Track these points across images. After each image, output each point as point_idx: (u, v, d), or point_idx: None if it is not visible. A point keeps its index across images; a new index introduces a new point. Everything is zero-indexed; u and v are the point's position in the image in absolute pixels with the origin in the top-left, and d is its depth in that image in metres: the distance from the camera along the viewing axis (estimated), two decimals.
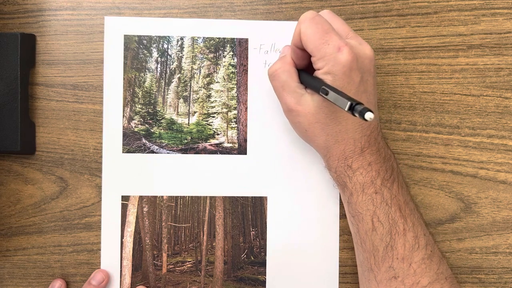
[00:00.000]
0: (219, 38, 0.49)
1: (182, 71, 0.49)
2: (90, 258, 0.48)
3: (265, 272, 0.49)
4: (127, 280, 0.48)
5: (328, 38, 0.40)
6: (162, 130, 0.49)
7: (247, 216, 0.49)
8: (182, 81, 0.49)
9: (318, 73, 0.41)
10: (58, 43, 0.48)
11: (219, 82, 0.49)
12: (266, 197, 0.49)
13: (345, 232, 0.49)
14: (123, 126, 0.48)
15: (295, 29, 0.42)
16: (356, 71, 0.40)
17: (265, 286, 0.49)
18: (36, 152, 0.48)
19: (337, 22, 0.43)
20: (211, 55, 0.49)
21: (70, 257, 0.48)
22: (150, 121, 0.49)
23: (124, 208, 0.48)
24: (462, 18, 0.49)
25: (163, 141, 0.49)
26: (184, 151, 0.49)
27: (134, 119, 0.49)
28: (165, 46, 0.49)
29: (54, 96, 0.48)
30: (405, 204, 0.43)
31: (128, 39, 0.48)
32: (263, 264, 0.49)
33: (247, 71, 0.49)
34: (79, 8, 0.48)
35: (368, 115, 0.34)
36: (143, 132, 0.49)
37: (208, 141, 0.49)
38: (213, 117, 0.49)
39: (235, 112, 0.49)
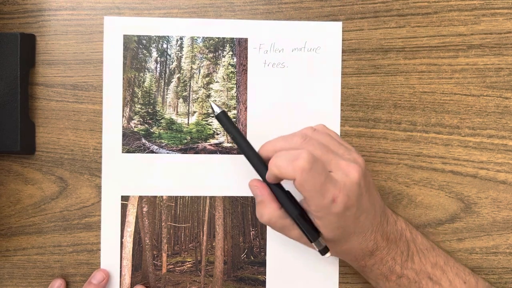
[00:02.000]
0: (218, 38, 0.49)
1: (182, 71, 0.49)
2: (90, 258, 0.48)
3: (265, 272, 0.49)
4: (127, 280, 0.48)
5: (324, 191, 0.38)
6: (162, 130, 0.49)
7: (247, 216, 0.49)
8: (182, 81, 0.49)
9: (310, 210, 0.40)
10: (58, 43, 0.48)
11: (218, 82, 0.49)
12: None
13: None
14: (123, 126, 0.48)
15: (271, 167, 0.39)
16: (351, 208, 0.40)
17: (265, 286, 0.49)
18: (36, 152, 0.48)
19: (329, 140, 0.42)
20: (211, 55, 0.49)
21: (70, 257, 0.48)
22: (150, 121, 0.49)
23: (124, 208, 0.48)
24: (462, 18, 0.49)
25: (162, 141, 0.49)
26: (184, 151, 0.49)
27: (133, 119, 0.48)
28: (165, 46, 0.49)
29: (54, 96, 0.48)
30: (434, 269, 0.43)
31: (127, 39, 0.48)
32: (263, 264, 0.49)
33: (246, 71, 0.49)
34: (79, 8, 0.48)
35: (326, 255, 0.41)
36: (143, 132, 0.49)
37: (207, 141, 0.49)
38: (213, 117, 0.49)
39: (235, 111, 0.49)
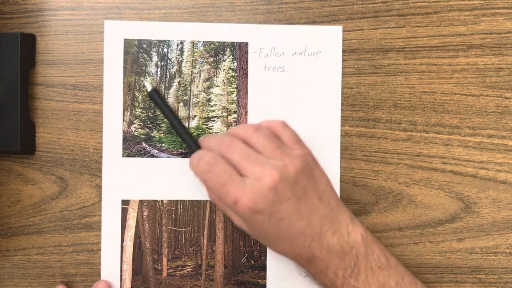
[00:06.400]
0: (219, 42, 0.49)
1: (182, 75, 0.49)
2: (90, 258, 0.48)
3: (265, 276, 0.49)
4: (127, 284, 0.48)
5: (226, 192, 0.40)
6: (162, 134, 0.49)
7: None
8: (182, 85, 0.49)
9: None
10: (58, 43, 0.48)
11: (219, 86, 0.49)
12: None
13: None
14: (123, 130, 0.48)
15: (190, 159, 0.44)
16: (261, 213, 0.40)
17: None
18: (36, 152, 0.48)
19: (262, 143, 0.42)
20: (211, 59, 0.49)
21: (70, 257, 0.48)
22: (150, 125, 0.49)
23: (124, 212, 0.48)
24: (462, 18, 0.49)
25: (163, 145, 0.49)
26: (184, 155, 0.49)
27: (134, 123, 0.48)
28: (165, 50, 0.49)
29: (54, 96, 0.48)
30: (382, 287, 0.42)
31: (128, 43, 0.48)
32: (263, 268, 0.49)
33: (247, 75, 0.49)
34: (79, 8, 0.48)
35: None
36: (143, 136, 0.48)
37: None
38: (213, 121, 0.49)
39: (235, 116, 0.49)
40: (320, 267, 0.42)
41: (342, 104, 0.49)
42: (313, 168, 0.43)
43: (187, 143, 0.45)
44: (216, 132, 0.49)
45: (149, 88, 0.46)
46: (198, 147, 0.45)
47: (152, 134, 0.49)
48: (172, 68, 0.49)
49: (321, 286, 0.44)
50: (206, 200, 0.49)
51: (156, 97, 0.46)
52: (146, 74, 0.49)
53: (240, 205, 0.40)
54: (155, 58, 0.49)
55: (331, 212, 0.42)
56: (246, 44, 0.49)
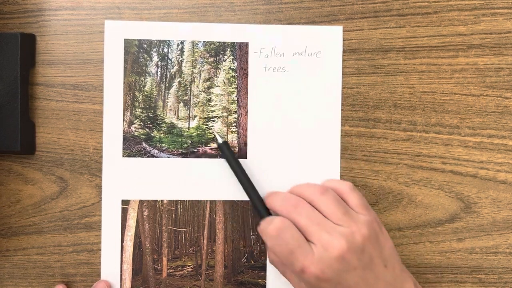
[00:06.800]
0: (219, 42, 0.49)
1: (183, 75, 0.49)
2: (90, 258, 0.48)
3: (265, 276, 0.49)
4: (128, 284, 0.48)
5: (293, 260, 0.41)
6: (162, 134, 0.49)
7: (247, 220, 0.49)
8: (183, 85, 0.49)
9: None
10: (58, 43, 0.48)
11: (219, 86, 0.49)
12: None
13: None
14: (123, 130, 0.48)
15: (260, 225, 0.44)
16: (328, 281, 0.40)
17: None
18: (36, 152, 0.48)
19: (330, 207, 0.42)
20: (211, 59, 0.49)
21: (70, 257, 0.48)
22: (150, 125, 0.49)
23: (124, 212, 0.48)
24: (462, 18, 0.49)
25: (163, 145, 0.49)
26: (185, 155, 0.49)
27: (134, 123, 0.48)
28: (165, 50, 0.49)
29: (54, 96, 0.48)
30: None
31: (128, 43, 0.48)
32: (263, 268, 0.49)
33: (247, 75, 0.49)
34: (79, 8, 0.48)
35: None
36: (143, 136, 0.48)
37: (208, 145, 0.49)
38: (213, 121, 0.49)
39: (236, 116, 0.49)
40: None
41: (342, 104, 0.49)
42: (379, 234, 0.43)
43: (256, 206, 0.46)
44: (216, 132, 0.49)
45: (220, 141, 0.47)
46: (267, 211, 0.45)
47: (152, 134, 0.49)
48: (173, 68, 0.49)
49: None
50: (206, 200, 0.49)
51: (227, 152, 0.47)
52: (147, 74, 0.49)
53: (307, 274, 0.40)
54: (155, 58, 0.49)
55: (396, 279, 0.42)
56: (246, 44, 0.49)
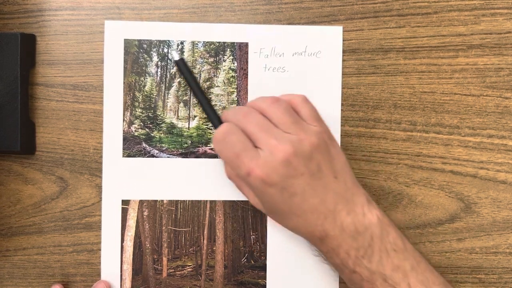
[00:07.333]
0: (219, 42, 0.49)
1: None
2: (90, 258, 0.48)
3: (265, 276, 0.49)
4: (127, 284, 0.48)
5: (239, 163, 0.41)
6: (162, 134, 0.49)
7: (247, 220, 0.49)
8: (183, 85, 0.49)
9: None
10: (58, 43, 0.48)
11: (219, 86, 0.49)
12: None
13: None
14: (123, 130, 0.48)
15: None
16: (273, 186, 0.40)
17: None
18: (36, 152, 0.48)
19: (280, 116, 0.42)
20: (211, 59, 0.49)
21: (70, 257, 0.48)
22: (150, 125, 0.49)
23: (124, 212, 0.48)
24: (462, 18, 0.49)
25: (163, 145, 0.49)
26: (185, 155, 0.49)
27: (134, 123, 0.48)
28: (165, 50, 0.49)
29: (54, 96, 0.48)
30: (394, 272, 0.40)
31: (128, 43, 0.48)
32: (263, 268, 0.49)
33: (247, 75, 0.49)
34: (79, 8, 0.48)
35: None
36: (143, 136, 0.48)
37: (208, 145, 0.49)
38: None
39: None
40: (332, 246, 0.41)
41: (342, 104, 0.49)
42: (330, 146, 0.42)
43: (211, 119, 0.46)
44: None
45: (176, 58, 0.47)
46: (220, 122, 0.45)
47: (152, 134, 0.49)
48: (173, 68, 0.49)
49: (333, 267, 0.43)
50: (206, 200, 0.49)
51: (183, 68, 0.47)
52: (147, 74, 0.49)
53: (252, 177, 0.40)
54: (155, 58, 0.49)
55: (346, 191, 0.42)
56: (246, 44, 0.49)
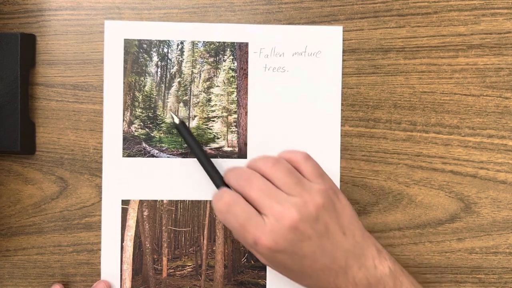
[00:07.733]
0: (219, 42, 0.49)
1: (182, 75, 0.49)
2: (90, 258, 0.48)
3: (265, 276, 0.49)
4: (127, 284, 0.48)
5: (245, 232, 0.40)
6: (162, 134, 0.49)
7: None
8: (182, 85, 0.49)
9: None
10: (58, 43, 0.48)
11: (219, 86, 0.49)
12: None
13: None
14: (123, 130, 0.48)
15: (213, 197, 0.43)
16: (282, 252, 0.40)
17: None
18: (36, 152, 0.48)
19: (282, 179, 0.42)
20: (211, 59, 0.49)
21: (70, 257, 0.48)
22: (150, 125, 0.49)
23: (124, 212, 0.48)
24: (462, 18, 0.49)
25: (163, 145, 0.49)
26: (185, 155, 0.49)
27: (134, 123, 0.48)
28: (165, 50, 0.49)
29: (54, 96, 0.48)
30: None
31: (128, 43, 0.48)
32: (263, 268, 0.49)
33: (247, 75, 0.49)
34: (79, 8, 0.48)
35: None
36: (143, 136, 0.48)
37: (208, 145, 0.49)
38: (213, 121, 0.49)
39: (235, 116, 0.49)
40: None
41: (342, 104, 0.49)
42: (336, 202, 0.42)
43: (213, 179, 0.45)
44: (216, 133, 0.49)
45: (176, 121, 0.46)
46: (223, 183, 0.45)
47: (152, 134, 0.49)
48: (172, 68, 0.49)
49: None
50: (206, 200, 0.49)
51: (183, 131, 0.46)
52: (146, 74, 0.49)
53: (260, 246, 0.40)
54: (155, 58, 0.49)
55: (356, 246, 0.41)
56: (246, 44, 0.49)
